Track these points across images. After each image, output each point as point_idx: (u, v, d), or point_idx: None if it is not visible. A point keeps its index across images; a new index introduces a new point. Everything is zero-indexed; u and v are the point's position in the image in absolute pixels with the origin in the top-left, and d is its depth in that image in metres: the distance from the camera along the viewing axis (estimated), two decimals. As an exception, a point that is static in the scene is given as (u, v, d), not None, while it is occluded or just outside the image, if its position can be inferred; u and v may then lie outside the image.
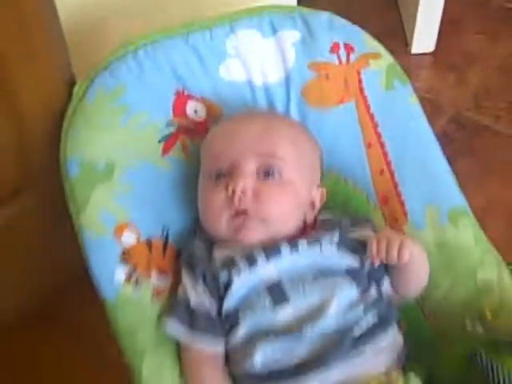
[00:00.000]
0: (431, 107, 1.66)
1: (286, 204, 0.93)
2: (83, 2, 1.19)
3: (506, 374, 0.83)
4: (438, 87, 1.72)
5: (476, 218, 1.11)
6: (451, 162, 1.39)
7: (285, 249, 0.90)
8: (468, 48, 1.82)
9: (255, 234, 0.92)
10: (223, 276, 0.90)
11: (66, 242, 1.00)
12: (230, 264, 0.90)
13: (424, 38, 1.78)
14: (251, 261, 0.89)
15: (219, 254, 0.92)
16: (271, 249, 0.90)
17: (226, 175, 0.93)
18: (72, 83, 1.03)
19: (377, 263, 0.91)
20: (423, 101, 1.60)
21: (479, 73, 1.76)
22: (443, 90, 1.71)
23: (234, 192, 0.90)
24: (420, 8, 1.71)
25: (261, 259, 0.89)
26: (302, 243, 0.91)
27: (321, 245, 0.92)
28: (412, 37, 1.78)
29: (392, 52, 1.40)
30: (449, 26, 1.81)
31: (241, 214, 0.91)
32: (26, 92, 0.96)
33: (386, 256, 0.89)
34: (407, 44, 1.81)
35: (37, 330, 1.23)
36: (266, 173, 0.93)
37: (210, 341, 0.90)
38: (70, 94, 1.02)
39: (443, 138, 1.56)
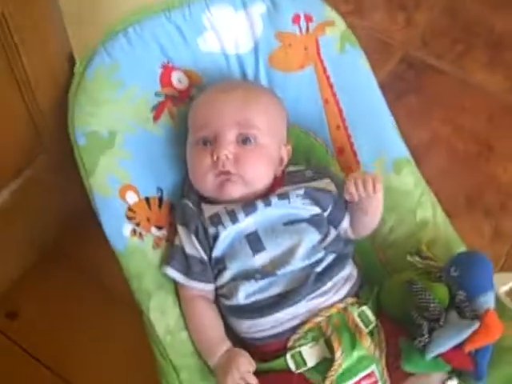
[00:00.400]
0: (383, 48, 1.83)
1: (261, 165, 1.14)
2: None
3: (431, 298, 1.06)
4: (390, 28, 1.88)
5: (419, 153, 1.32)
6: (400, 99, 1.61)
7: (260, 205, 1.11)
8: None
9: (236, 189, 1.12)
10: (211, 230, 1.11)
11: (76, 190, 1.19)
12: (216, 221, 1.11)
13: None
14: (233, 217, 1.10)
15: (207, 212, 1.12)
16: (248, 206, 1.11)
17: (211, 142, 1.12)
18: (71, 58, 1.19)
19: (355, 200, 1.11)
20: (376, 41, 1.81)
21: (426, 13, 1.92)
22: (394, 31, 1.88)
23: (218, 158, 1.10)
24: None
25: (240, 216, 1.10)
26: (274, 198, 1.12)
27: (289, 198, 1.13)
28: None
29: None
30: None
31: (223, 173, 1.11)
32: (30, 61, 1.09)
33: (363, 192, 1.09)
34: (360, -16, 1.95)
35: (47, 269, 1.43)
36: (244, 140, 1.12)
37: (203, 282, 1.12)
38: (70, 68, 1.18)
39: (394, 78, 1.77)
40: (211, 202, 1.15)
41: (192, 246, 1.12)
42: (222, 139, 1.11)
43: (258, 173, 1.13)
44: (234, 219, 1.10)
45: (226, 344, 1.10)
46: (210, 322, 1.12)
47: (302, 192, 1.14)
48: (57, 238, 1.40)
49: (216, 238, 1.11)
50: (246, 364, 1.06)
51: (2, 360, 1.34)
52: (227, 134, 1.12)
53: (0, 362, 1.34)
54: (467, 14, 1.91)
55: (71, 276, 1.43)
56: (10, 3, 0.99)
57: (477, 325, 1.03)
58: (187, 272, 1.12)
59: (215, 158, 1.11)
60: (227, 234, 1.10)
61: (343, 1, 1.93)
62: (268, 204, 1.12)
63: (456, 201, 1.57)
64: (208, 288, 1.13)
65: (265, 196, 1.13)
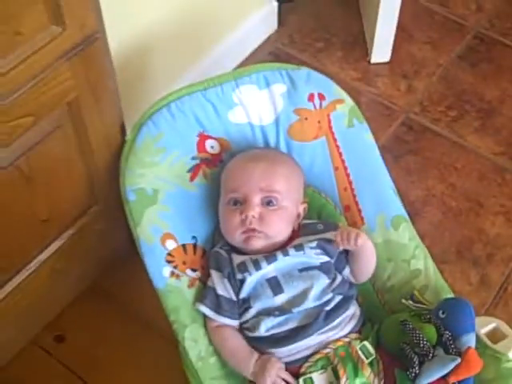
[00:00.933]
0: (386, 112, 2.05)
1: (282, 222, 1.35)
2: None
3: (421, 336, 1.24)
4: (392, 94, 2.10)
5: (416, 208, 1.50)
6: (400, 159, 1.80)
7: (279, 255, 1.32)
8: (416, 57, 2.18)
9: (259, 242, 1.33)
10: (239, 276, 1.32)
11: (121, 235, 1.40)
12: (243, 268, 1.32)
13: (381, 49, 2.12)
14: (257, 265, 1.31)
15: (236, 260, 1.33)
16: (270, 256, 1.32)
17: (241, 203, 1.34)
18: (123, 128, 1.41)
19: (341, 248, 1.32)
20: (380, 106, 2.02)
21: (424, 81, 2.14)
22: (396, 97, 2.09)
23: (246, 217, 1.32)
24: (378, 22, 2.03)
25: (263, 264, 1.31)
26: (291, 249, 1.33)
27: (303, 249, 1.34)
28: (372, 48, 2.12)
29: (356, 61, 1.74)
30: (401, 35, 2.18)
31: (250, 230, 1.33)
32: (93, 132, 1.32)
33: (346, 242, 1.30)
34: (367, 54, 2.16)
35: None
36: (268, 202, 1.34)
37: (230, 318, 1.32)
38: (122, 136, 1.40)
39: (395, 140, 1.98)
40: (239, 251, 1.36)
41: (224, 288, 1.33)
42: (249, 202, 1.33)
43: (279, 229, 1.35)
44: (257, 267, 1.31)
45: (255, 354, 1.29)
46: (238, 343, 1.32)
47: (314, 244, 1.34)
48: (103, 275, 1.63)
49: (243, 282, 1.31)
50: (278, 362, 1.26)
51: (49, 377, 1.53)
52: (253, 198, 1.33)
53: (47, 379, 1.53)
54: (460, 83, 2.12)
55: (114, 309, 1.63)
56: (84, 89, 1.22)
57: (458, 360, 1.20)
58: (217, 310, 1.32)
59: (243, 216, 1.32)
60: (252, 279, 1.31)
61: (352, 68, 2.14)
62: (286, 254, 1.33)
63: (448, 251, 1.74)
64: (234, 323, 1.33)
65: (284, 246, 1.34)
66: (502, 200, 1.86)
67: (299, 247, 1.34)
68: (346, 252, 1.37)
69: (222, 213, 1.38)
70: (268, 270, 1.32)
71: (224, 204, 1.37)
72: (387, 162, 1.48)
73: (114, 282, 1.66)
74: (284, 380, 1.26)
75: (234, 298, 1.32)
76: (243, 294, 1.32)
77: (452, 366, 1.20)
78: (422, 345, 1.23)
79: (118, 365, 1.55)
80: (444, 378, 1.21)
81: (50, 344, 1.58)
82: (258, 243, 1.33)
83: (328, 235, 1.37)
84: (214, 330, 1.34)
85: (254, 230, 1.32)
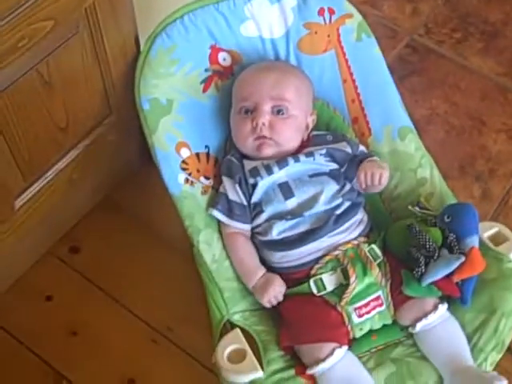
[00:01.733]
0: (391, 34, 2.07)
1: (291, 131, 1.39)
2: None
3: (427, 238, 1.29)
4: (397, 17, 2.12)
5: (420, 126, 1.55)
6: (405, 79, 1.83)
7: (290, 161, 1.36)
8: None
9: (270, 149, 1.38)
10: (251, 181, 1.36)
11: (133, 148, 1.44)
12: (255, 173, 1.36)
13: None
14: (269, 170, 1.36)
15: (247, 166, 1.38)
16: (281, 161, 1.36)
17: (251, 112, 1.38)
18: (137, 40, 1.44)
19: (363, 186, 1.36)
20: (385, 28, 2.04)
21: (430, 4, 2.16)
22: (401, 19, 2.11)
23: (256, 124, 1.36)
24: None
25: (275, 169, 1.36)
26: (302, 156, 1.38)
27: (313, 156, 1.38)
28: None
29: None
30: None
31: (261, 137, 1.37)
32: (109, 40, 1.35)
33: (370, 183, 1.34)
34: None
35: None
36: (278, 111, 1.38)
37: (242, 223, 1.37)
38: (137, 47, 1.43)
39: (400, 61, 2.01)
40: (250, 158, 1.40)
41: (235, 193, 1.37)
42: (260, 110, 1.37)
43: (289, 137, 1.39)
44: (269, 172, 1.36)
45: (262, 269, 1.36)
46: (248, 252, 1.38)
47: (324, 151, 1.39)
48: (116, 188, 1.68)
49: (254, 186, 1.36)
50: (280, 285, 1.32)
51: (65, 284, 1.60)
52: (264, 105, 1.37)
53: (63, 287, 1.59)
54: (465, 6, 2.14)
55: (126, 221, 1.68)
56: (101, 4, 1.25)
57: (463, 258, 1.26)
58: (229, 214, 1.37)
59: (254, 124, 1.37)
60: (264, 183, 1.36)
61: (358, -8, 2.17)
62: (297, 160, 1.37)
63: (451, 167, 1.79)
64: (246, 227, 1.39)
65: (294, 154, 1.39)
66: (503, 118, 1.89)
67: (309, 154, 1.38)
68: (357, 163, 1.41)
69: (233, 122, 1.42)
70: (279, 175, 1.36)
71: (235, 113, 1.41)
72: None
73: (126, 195, 1.71)
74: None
75: (245, 202, 1.37)
76: (255, 199, 1.37)
77: (456, 264, 1.26)
78: (427, 246, 1.29)
79: (131, 273, 1.61)
80: (448, 276, 1.27)
81: (65, 254, 1.64)
82: (269, 150, 1.37)
83: (338, 145, 1.42)
84: (227, 237, 1.39)
85: (264, 137, 1.36)
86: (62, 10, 1.19)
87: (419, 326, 1.27)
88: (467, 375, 1.21)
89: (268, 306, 1.33)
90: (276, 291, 1.32)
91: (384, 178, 1.35)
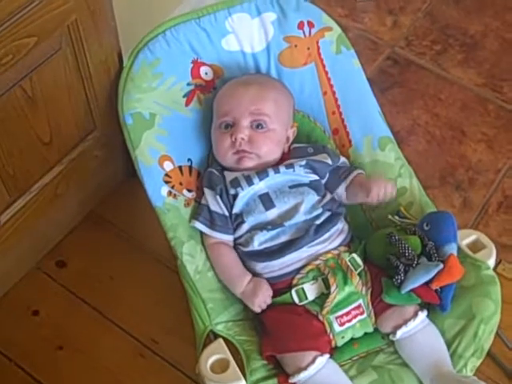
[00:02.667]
0: (373, 46, 2.10)
1: (270, 144, 1.41)
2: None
3: (407, 246, 1.31)
4: (378, 29, 2.15)
5: (401, 137, 1.57)
6: (386, 91, 1.86)
7: (270, 172, 1.38)
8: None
9: (251, 162, 1.40)
10: (232, 191, 1.38)
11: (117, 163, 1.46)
12: (235, 184, 1.38)
13: None
14: (249, 181, 1.37)
15: (228, 177, 1.40)
16: (261, 173, 1.38)
17: (231, 126, 1.40)
18: (120, 55, 1.46)
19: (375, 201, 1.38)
20: (367, 41, 2.07)
21: (410, 16, 2.19)
22: (382, 32, 2.14)
23: (236, 139, 1.38)
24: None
25: (255, 180, 1.37)
26: (282, 167, 1.40)
27: (293, 168, 1.40)
28: None
29: None
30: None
31: (240, 151, 1.39)
32: (91, 56, 1.37)
33: (383, 198, 1.37)
34: (355, -9, 2.21)
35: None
36: (257, 125, 1.40)
37: (223, 233, 1.39)
38: (120, 62, 1.45)
39: (381, 73, 2.04)
40: (231, 169, 1.42)
41: (216, 204, 1.39)
42: (239, 125, 1.39)
43: (269, 150, 1.41)
44: (250, 182, 1.37)
45: (248, 275, 1.37)
46: (233, 259, 1.39)
47: (303, 163, 1.41)
48: (102, 200, 1.70)
49: (235, 197, 1.38)
50: (268, 289, 1.34)
51: (52, 299, 1.61)
52: (243, 120, 1.39)
53: (49, 301, 1.61)
54: (445, 18, 2.18)
55: (111, 235, 1.70)
56: (83, 13, 1.27)
57: (441, 266, 1.28)
58: (211, 225, 1.39)
59: (233, 139, 1.39)
60: (244, 194, 1.38)
61: (340, 5, 2.19)
62: (277, 171, 1.39)
63: (432, 177, 1.82)
64: (228, 238, 1.40)
65: (275, 166, 1.41)
66: (483, 128, 1.92)
67: (289, 166, 1.40)
68: (339, 175, 1.44)
69: (214, 136, 1.44)
70: (260, 186, 1.38)
71: (216, 128, 1.43)
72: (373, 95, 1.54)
73: (110, 210, 1.73)
74: None
75: (227, 213, 1.39)
76: (236, 210, 1.39)
77: (435, 271, 1.28)
78: (407, 253, 1.30)
79: (117, 286, 1.63)
80: (427, 284, 1.29)
81: (52, 269, 1.66)
82: (249, 163, 1.40)
83: (318, 157, 1.44)
84: (210, 247, 1.41)
85: (244, 151, 1.39)
86: (45, 27, 1.21)
87: (399, 333, 1.29)
88: (447, 380, 1.23)
89: (258, 310, 1.34)
90: (265, 295, 1.33)
91: (394, 191, 1.39)
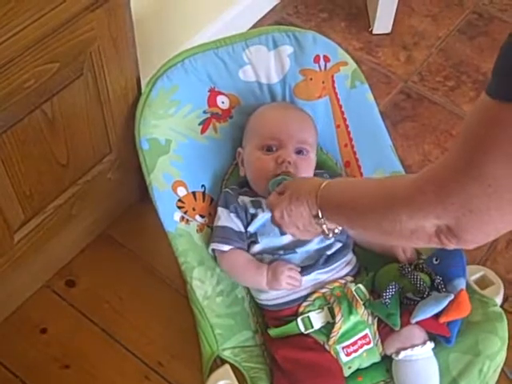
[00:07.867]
0: (386, 80, 2.14)
1: (310, 171, 1.44)
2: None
3: (419, 278, 1.32)
4: (392, 63, 2.18)
5: (413, 171, 1.60)
6: (398, 125, 1.88)
7: None
8: (416, 29, 2.28)
9: None
10: (252, 210, 1.40)
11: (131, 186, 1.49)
12: (257, 205, 1.40)
13: (383, 21, 2.21)
14: None
15: (247, 199, 1.42)
16: None
17: (276, 149, 1.41)
18: (138, 81, 1.49)
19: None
20: (380, 74, 2.10)
21: (424, 52, 2.22)
22: (396, 66, 2.17)
23: (283, 161, 1.39)
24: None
25: None
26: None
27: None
28: (374, 20, 2.21)
29: (358, 32, 1.80)
30: (403, 9, 2.27)
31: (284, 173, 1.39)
32: (111, 82, 1.40)
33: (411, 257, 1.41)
34: (370, 26, 2.25)
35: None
36: (300, 152, 1.42)
37: (240, 244, 1.39)
38: (138, 89, 1.48)
39: (394, 106, 2.07)
40: (254, 194, 1.43)
41: (231, 221, 1.40)
42: (287, 148, 1.41)
43: (307, 176, 1.42)
44: None
45: (264, 265, 1.37)
46: (249, 258, 1.39)
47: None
48: (114, 222, 1.73)
49: (254, 217, 1.40)
50: (283, 265, 1.34)
51: (60, 318, 1.63)
52: (290, 146, 1.41)
53: (58, 320, 1.62)
54: (458, 55, 2.21)
55: (122, 256, 1.72)
56: (106, 40, 1.30)
57: (452, 296, 1.29)
58: (226, 241, 1.39)
59: (280, 161, 1.40)
60: (264, 215, 1.39)
61: (356, 39, 2.22)
62: None
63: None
64: (242, 247, 1.40)
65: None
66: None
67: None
68: None
69: (253, 157, 1.44)
70: None
71: (255, 149, 1.44)
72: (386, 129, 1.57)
73: (121, 231, 1.75)
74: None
75: (243, 229, 1.41)
76: (252, 229, 1.40)
77: (446, 302, 1.29)
78: (418, 285, 1.32)
79: (126, 308, 1.64)
80: (436, 317, 1.31)
81: (61, 288, 1.67)
82: None
83: None
84: (226, 256, 1.40)
85: (288, 173, 1.39)
86: (68, 54, 1.24)
87: (403, 354, 1.30)
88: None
89: (289, 288, 1.34)
90: (285, 274, 1.33)
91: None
